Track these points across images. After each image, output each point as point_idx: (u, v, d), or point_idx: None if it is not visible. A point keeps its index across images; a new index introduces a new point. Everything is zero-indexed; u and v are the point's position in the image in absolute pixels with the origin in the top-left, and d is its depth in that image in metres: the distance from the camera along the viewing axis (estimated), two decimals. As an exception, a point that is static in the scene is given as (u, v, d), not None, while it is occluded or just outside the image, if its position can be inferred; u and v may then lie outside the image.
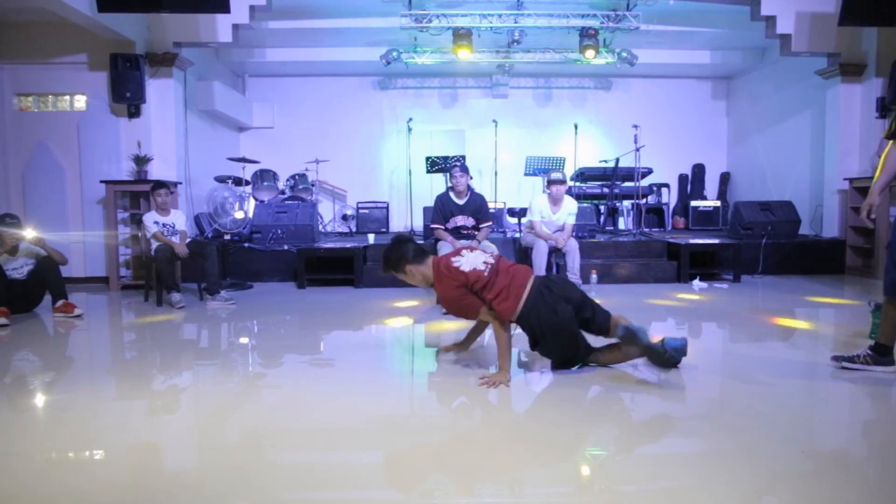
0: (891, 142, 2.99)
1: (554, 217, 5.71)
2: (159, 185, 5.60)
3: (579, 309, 3.01)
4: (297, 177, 8.35)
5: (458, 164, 5.85)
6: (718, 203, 9.23)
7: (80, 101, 6.74)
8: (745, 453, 2.12)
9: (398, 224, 9.32)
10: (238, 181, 7.70)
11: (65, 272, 5.18)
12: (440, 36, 7.81)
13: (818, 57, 7.30)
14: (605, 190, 8.15)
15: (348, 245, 6.60)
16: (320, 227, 8.25)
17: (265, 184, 7.91)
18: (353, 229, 8.87)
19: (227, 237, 7.02)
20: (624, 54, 8.31)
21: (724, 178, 10.18)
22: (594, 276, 6.04)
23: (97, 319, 5.02)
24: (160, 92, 6.71)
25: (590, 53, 7.81)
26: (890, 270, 2.93)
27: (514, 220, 7.99)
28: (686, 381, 3.03)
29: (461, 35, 7.62)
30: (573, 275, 5.58)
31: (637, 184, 7.54)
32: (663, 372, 3.00)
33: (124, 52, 6.36)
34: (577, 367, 3.11)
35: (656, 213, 9.12)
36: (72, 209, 6.67)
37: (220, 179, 7.64)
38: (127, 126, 6.65)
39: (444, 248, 5.13)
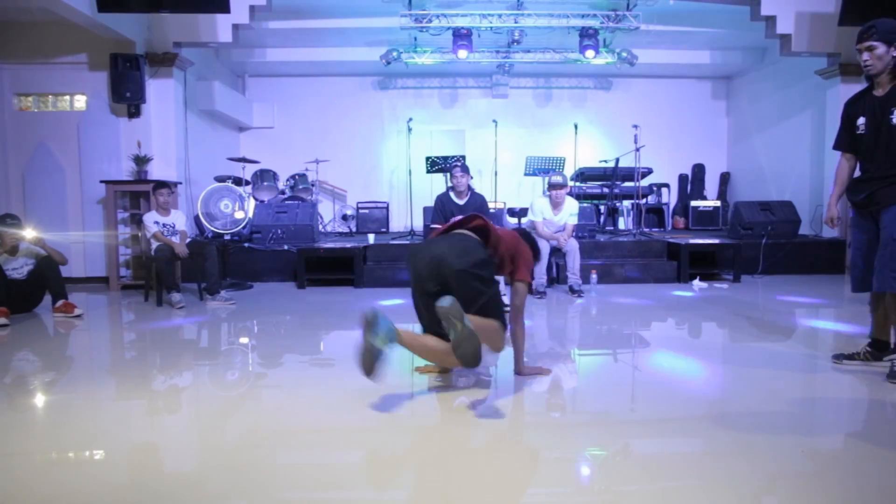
0: (840, 154, 3.19)
1: (555, 218, 5.72)
2: (161, 184, 5.61)
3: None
4: (297, 177, 8.35)
5: (459, 164, 5.86)
6: (718, 203, 9.23)
7: (80, 101, 6.74)
8: (745, 453, 2.12)
9: (398, 224, 9.32)
10: (238, 181, 7.70)
11: (65, 272, 5.18)
12: (440, 36, 7.82)
13: (818, 57, 7.30)
14: (605, 190, 8.15)
15: (348, 245, 6.60)
16: (320, 227, 8.26)
17: (265, 184, 7.91)
18: (353, 229, 8.87)
19: (227, 237, 7.02)
20: (624, 54, 8.31)
21: (724, 178, 10.19)
22: (594, 277, 6.05)
23: (97, 319, 5.02)
24: (160, 92, 6.71)
25: (590, 53, 7.81)
26: (853, 266, 3.14)
27: (514, 220, 7.99)
28: (686, 381, 3.03)
29: (461, 35, 7.63)
30: (573, 275, 5.59)
31: (637, 184, 7.54)
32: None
33: (124, 52, 6.37)
34: None
35: (656, 213, 9.12)
36: (72, 209, 6.67)
37: (220, 179, 7.64)
38: (127, 126, 6.65)
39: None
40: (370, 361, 2.46)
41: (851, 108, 3.10)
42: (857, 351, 3.17)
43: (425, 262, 2.72)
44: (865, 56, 2.89)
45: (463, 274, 2.64)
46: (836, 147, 3.21)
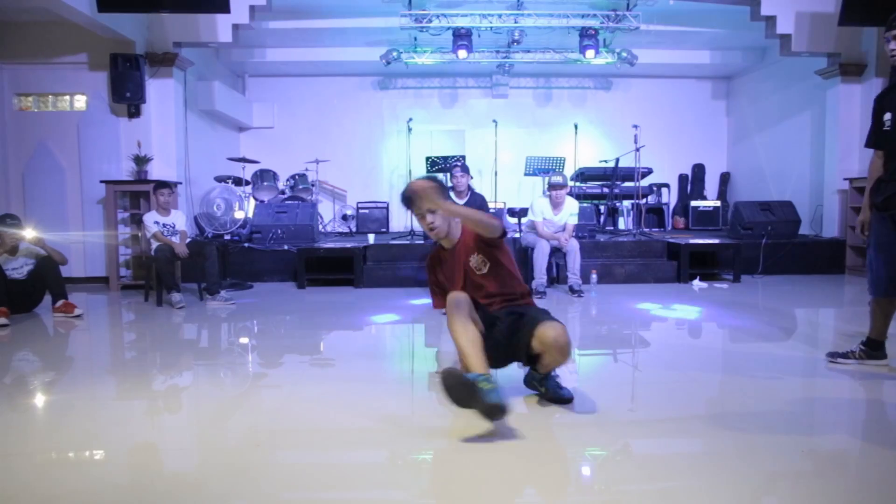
0: (874, 151, 3.01)
1: (556, 218, 5.72)
2: (162, 184, 5.61)
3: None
4: (297, 177, 8.35)
5: (459, 164, 5.86)
6: (718, 203, 9.23)
7: (80, 101, 6.74)
8: (745, 453, 2.12)
9: (398, 224, 9.31)
10: (238, 181, 7.71)
11: (65, 272, 5.18)
12: (440, 36, 7.82)
13: (818, 57, 7.31)
14: (605, 190, 8.15)
15: (348, 245, 6.60)
16: (320, 227, 8.25)
17: (265, 184, 7.91)
18: (353, 229, 8.87)
19: (227, 237, 7.02)
20: (624, 54, 8.31)
21: (724, 178, 10.18)
22: (594, 276, 6.05)
23: (97, 319, 5.02)
24: (160, 92, 6.71)
25: (590, 53, 7.81)
26: (871, 269, 2.99)
27: (514, 220, 7.99)
28: (686, 381, 3.03)
29: (461, 35, 7.64)
30: (573, 275, 5.59)
31: (637, 184, 7.54)
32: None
33: (124, 52, 6.37)
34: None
35: (656, 213, 9.12)
36: (72, 209, 6.67)
37: (220, 179, 7.64)
38: (127, 126, 6.65)
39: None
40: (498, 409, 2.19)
41: (880, 103, 2.95)
42: (852, 350, 3.15)
43: None
44: (893, 45, 2.76)
45: None
46: (867, 144, 3.04)
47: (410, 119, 8.22)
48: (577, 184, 8.26)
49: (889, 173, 2.87)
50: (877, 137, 2.95)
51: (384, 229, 8.86)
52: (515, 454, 2.18)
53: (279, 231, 6.89)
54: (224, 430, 2.50)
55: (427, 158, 7.97)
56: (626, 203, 8.54)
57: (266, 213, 7.15)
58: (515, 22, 7.52)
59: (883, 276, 2.92)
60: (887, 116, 2.86)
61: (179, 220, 5.64)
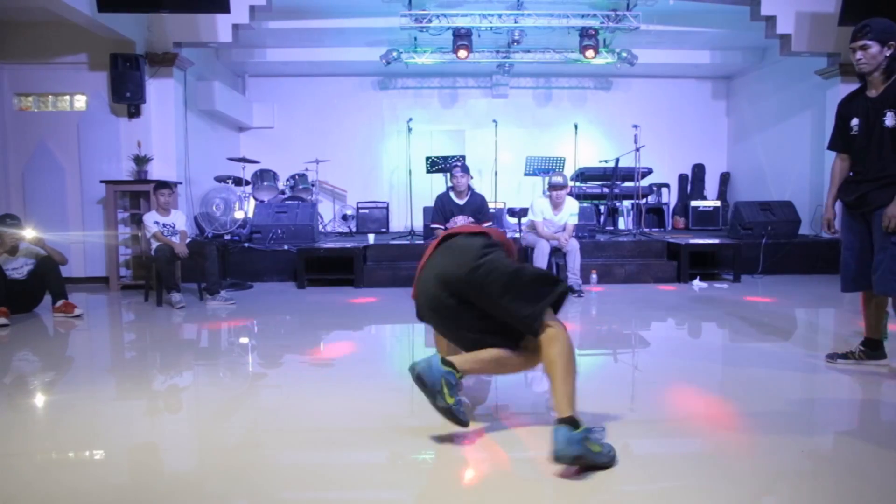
0: (835, 154, 3.18)
1: (556, 218, 5.72)
2: (162, 185, 5.61)
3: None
4: (297, 177, 8.35)
5: (459, 164, 5.86)
6: (718, 203, 9.24)
7: (80, 101, 6.74)
8: (745, 453, 2.12)
9: (398, 224, 9.32)
10: (238, 181, 7.70)
11: (65, 272, 5.18)
12: (440, 36, 7.82)
13: (818, 57, 7.30)
14: (605, 190, 8.15)
15: (348, 245, 6.60)
16: (320, 227, 8.26)
17: (265, 184, 7.91)
18: (353, 229, 8.87)
19: (227, 237, 7.02)
20: (624, 54, 8.31)
21: (724, 178, 10.18)
22: (594, 276, 6.05)
23: (97, 319, 5.02)
24: (160, 92, 6.71)
25: (590, 53, 7.81)
26: (842, 265, 3.13)
27: (514, 220, 7.99)
28: (686, 381, 3.03)
29: (461, 35, 7.64)
30: (573, 275, 5.59)
31: (637, 184, 7.54)
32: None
33: (124, 52, 6.36)
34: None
35: (656, 213, 9.12)
36: (72, 209, 6.67)
37: (220, 179, 7.64)
38: (127, 126, 6.65)
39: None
40: (455, 417, 2.16)
41: (845, 109, 3.09)
42: (851, 350, 3.19)
43: (430, 285, 2.36)
44: (859, 55, 2.89)
45: (474, 272, 2.25)
46: (830, 147, 3.20)
47: (410, 119, 8.21)
48: (577, 184, 8.26)
49: (858, 175, 3.03)
50: (843, 141, 3.11)
51: (384, 229, 8.86)
52: (515, 453, 2.18)
53: (279, 231, 6.89)
54: (224, 430, 2.50)
55: (427, 158, 7.96)
56: (626, 203, 8.55)
57: (266, 213, 7.15)
58: (515, 22, 7.52)
59: (853, 271, 3.05)
60: (854, 122, 3.01)
61: (179, 220, 5.64)
